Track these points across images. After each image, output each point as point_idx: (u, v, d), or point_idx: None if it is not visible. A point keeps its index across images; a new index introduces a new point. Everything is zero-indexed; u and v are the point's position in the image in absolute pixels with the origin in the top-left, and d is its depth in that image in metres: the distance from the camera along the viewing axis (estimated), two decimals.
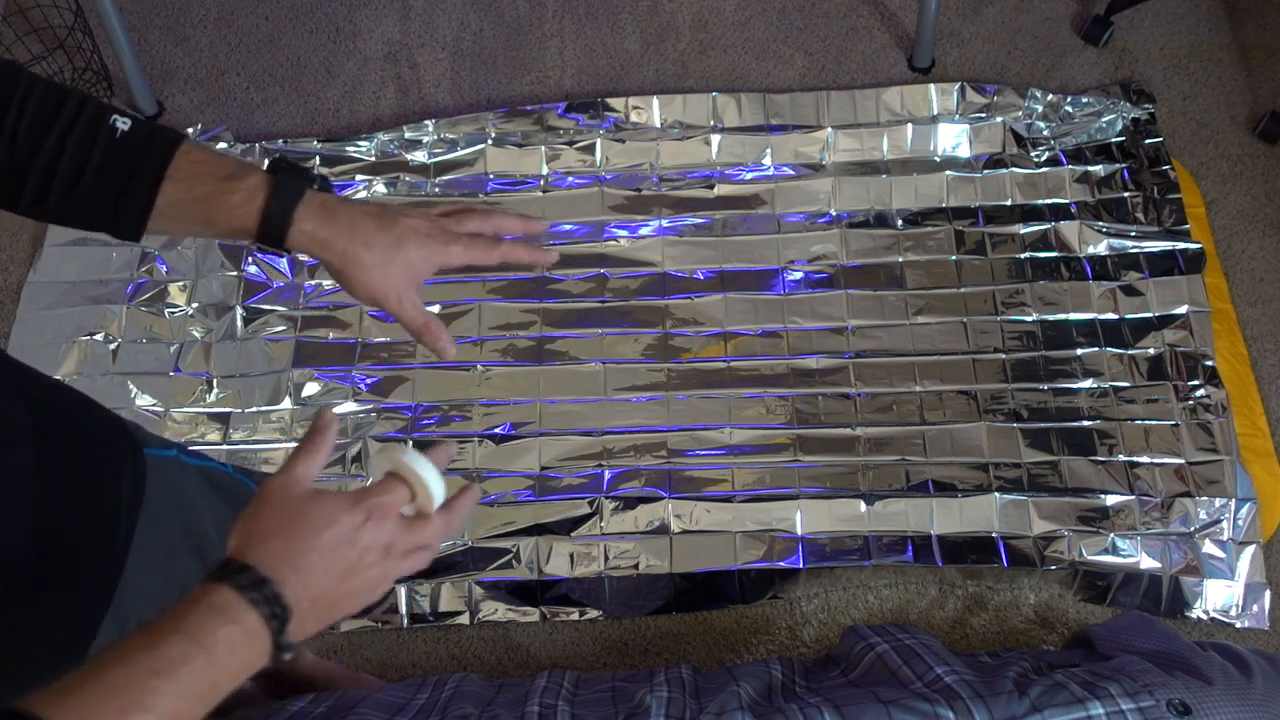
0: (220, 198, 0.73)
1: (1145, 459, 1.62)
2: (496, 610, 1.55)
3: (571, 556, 1.57)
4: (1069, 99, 1.93)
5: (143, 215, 0.72)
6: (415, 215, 0.78)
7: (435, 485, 0.68)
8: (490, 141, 1.91)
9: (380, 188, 1.88)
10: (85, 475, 0.78)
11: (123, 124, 0.72)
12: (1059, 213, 1.84)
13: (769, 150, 1.90)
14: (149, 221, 0.73)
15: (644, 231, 1.83)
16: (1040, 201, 1.85)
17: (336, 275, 0.76)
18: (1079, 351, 1.71)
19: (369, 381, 1.71)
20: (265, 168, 0.75)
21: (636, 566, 1.56)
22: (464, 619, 1.54)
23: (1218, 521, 1.57)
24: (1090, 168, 1.88)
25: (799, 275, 1.79)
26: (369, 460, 0.70)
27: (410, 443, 0.69)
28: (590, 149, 1.91)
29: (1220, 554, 1.55)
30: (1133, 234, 1.81)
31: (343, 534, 0.63)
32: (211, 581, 0.59)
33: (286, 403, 1.69)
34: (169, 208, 0.72)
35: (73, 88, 0.73)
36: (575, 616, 1.55)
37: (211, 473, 0.97)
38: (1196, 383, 1.67)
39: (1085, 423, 1.65)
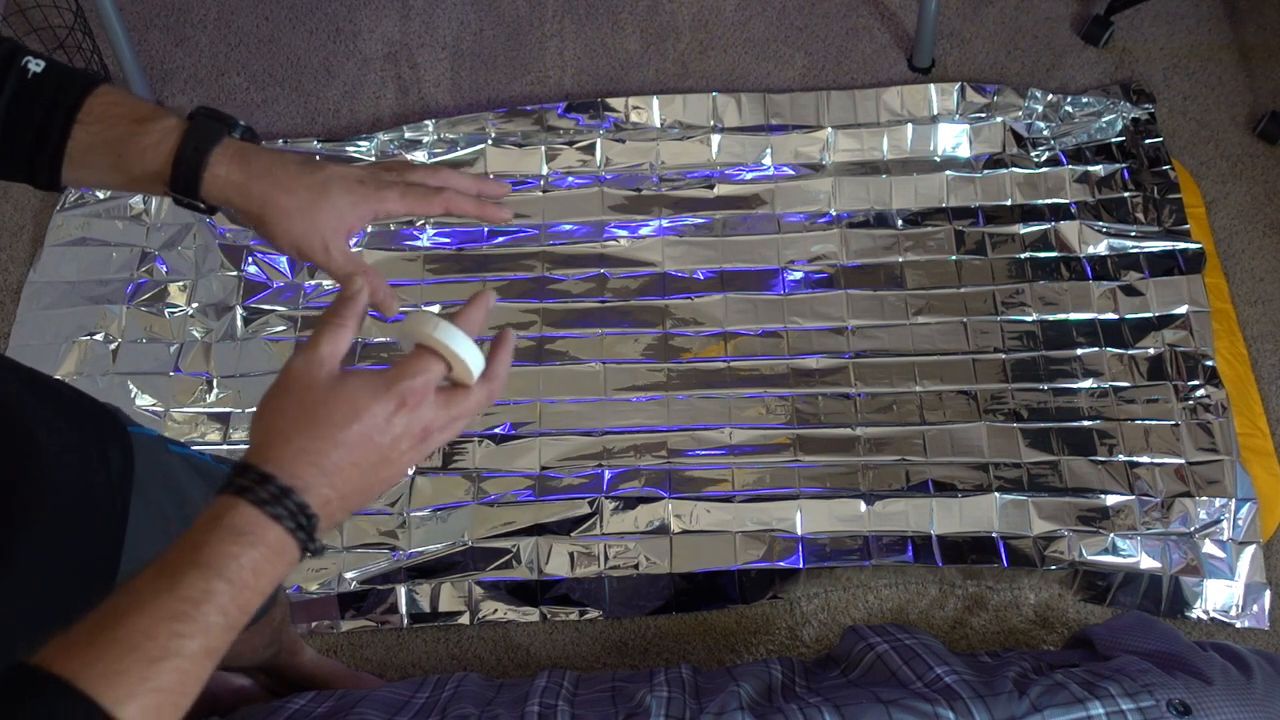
0: (132, 140, 0.68)
1: (1145, 459, 1.61)
2: (496, 610, 1.55)
3: (571, 556, 1.57)
4: (1069, 99, 1.93)
5: (56, 161, 0.69)
6: (348, 165, 0.74)
7: (471, 357, 0.61)
8: (490, 141, 1.91)
9: None
10: (77, 442, 0.77)
11: (35, 66, 0.68)
12: (1059, 213, 1.84)
13: (769, 150, 1.90)
14: (65, 170, 0.69)
15: (644, 231, 1.83)
16: (1040, 201, 1.85)
17: (256, 224, 0.72)
18: (1079, 351, 1.71)
19: None
20: (186, 115, 0.71)
21: (636, 566, 1.56)
22: (464, 619, 1.54)
23: (1218, 521, 1.57)
24: (1090, 168, 1.88)
25: (799, 275, 1.79)
26: (398, 331, 0.64)
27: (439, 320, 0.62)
28: (590, 149, 1.91)
29: (1220, 554, 1.55)
30: (1133, 234, 1.81)
31: (374, 424, 0.57)
32: (229, 494, 0.54)
33: None
34: (80, 153, 0.69)
35: None
36: (575, 616, 1.55)
37: (194, 461, 0.96)
38: (1196, 383, 1.67)
39: (1085, 423, 1.65)
